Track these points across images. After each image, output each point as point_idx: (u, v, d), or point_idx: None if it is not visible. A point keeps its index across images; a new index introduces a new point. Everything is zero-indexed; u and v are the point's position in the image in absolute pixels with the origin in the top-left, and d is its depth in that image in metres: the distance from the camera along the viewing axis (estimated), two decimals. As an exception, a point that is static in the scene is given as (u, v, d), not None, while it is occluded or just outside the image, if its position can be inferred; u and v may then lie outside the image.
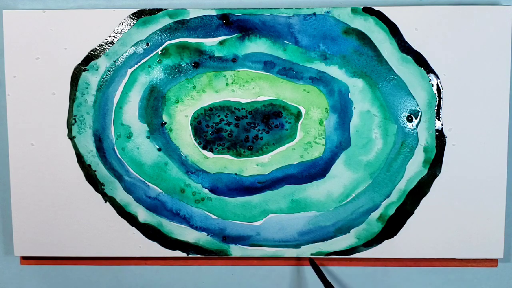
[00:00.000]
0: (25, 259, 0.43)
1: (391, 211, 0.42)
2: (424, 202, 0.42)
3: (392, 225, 0.42)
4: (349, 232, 0.42)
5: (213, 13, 0.41)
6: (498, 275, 0.44)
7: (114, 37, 0.41)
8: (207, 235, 0.42)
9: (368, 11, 0.41)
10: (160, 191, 0.42)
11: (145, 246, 0.42)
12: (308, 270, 0.44)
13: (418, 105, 0.41)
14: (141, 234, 0.42)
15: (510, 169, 0.42)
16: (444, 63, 0.41)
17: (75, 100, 0.42)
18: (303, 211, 0.42)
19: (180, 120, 0.42)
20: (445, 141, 0.42)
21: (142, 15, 0.41)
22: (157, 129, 0.42)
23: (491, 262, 0.43)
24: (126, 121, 0.42)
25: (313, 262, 0.41)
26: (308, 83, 0.41)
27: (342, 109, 0.42)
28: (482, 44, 0.41)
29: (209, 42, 0.41)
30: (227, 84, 0.41)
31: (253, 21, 0.41)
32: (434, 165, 0.42)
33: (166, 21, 0.41)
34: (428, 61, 0.41)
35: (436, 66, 0.41)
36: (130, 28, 0.41)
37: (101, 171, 0.42)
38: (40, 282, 0.45)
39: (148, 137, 0.42)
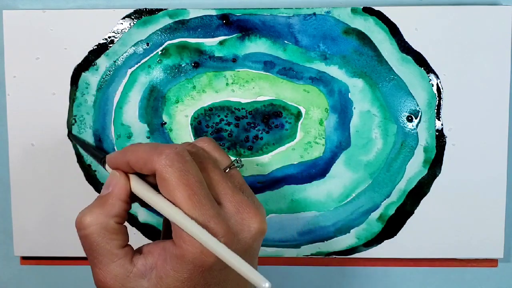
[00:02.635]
0: (25, 259, 0.43)
1: (391, 211, 0.42)
2: (424, 202, 0.42)
3: (392, 225, 0.42)
4: (349, 232, 0.42)
5: (213, 13, 0.41)
6: (498, 275, 0.44)
7: (114, 37, 0.41)
8: (207, 235, 0.42)
9: (368, 11, 0.41)
10: (160, 191, 0.42)
11: (145, 246, 0.42)
12: (308, 270, 0.44)
13: (418, 105, 0.41)
14: (141, 234, 0.42)
15: (510, 169, 0.42)
16: (444, 63, 0.41)
17: (75, 100, 0.42)
18: (303, 211, 0.42)
19: (180, 120, 0.42)
20: (445, 141, 0.42)
21: (142, 15, 0.41)
22: (157, 129, 0.42)
23: (491, 262, 0.43)
24: (126, 121, 0.42)
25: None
26: (308, 83, 0.41)
27: (342, 109, 0.41)
28: (482, 44, 0.41)
29: (209, 42, 0.41)
30: (227, 84, 0.41)
31: (253, 21, 0.41)
32: (434, 165, 0.42)
33: (166, 21, 0.41)
34: (428, 61, 0.41)
35: (436, 66, 0.41)
36: (130, 28, 0.41)
37: (101, 171, 0.42)
38: (40, 282, 0.45)
39: (148, 137, 0.42)
